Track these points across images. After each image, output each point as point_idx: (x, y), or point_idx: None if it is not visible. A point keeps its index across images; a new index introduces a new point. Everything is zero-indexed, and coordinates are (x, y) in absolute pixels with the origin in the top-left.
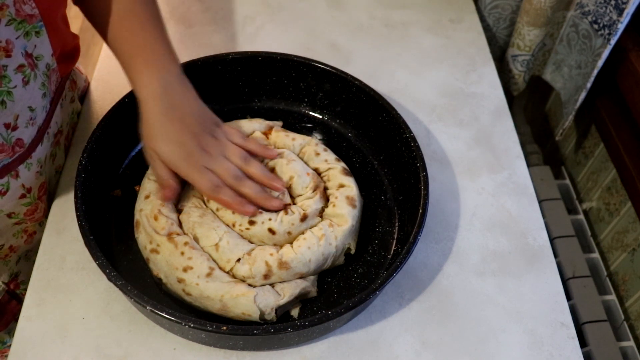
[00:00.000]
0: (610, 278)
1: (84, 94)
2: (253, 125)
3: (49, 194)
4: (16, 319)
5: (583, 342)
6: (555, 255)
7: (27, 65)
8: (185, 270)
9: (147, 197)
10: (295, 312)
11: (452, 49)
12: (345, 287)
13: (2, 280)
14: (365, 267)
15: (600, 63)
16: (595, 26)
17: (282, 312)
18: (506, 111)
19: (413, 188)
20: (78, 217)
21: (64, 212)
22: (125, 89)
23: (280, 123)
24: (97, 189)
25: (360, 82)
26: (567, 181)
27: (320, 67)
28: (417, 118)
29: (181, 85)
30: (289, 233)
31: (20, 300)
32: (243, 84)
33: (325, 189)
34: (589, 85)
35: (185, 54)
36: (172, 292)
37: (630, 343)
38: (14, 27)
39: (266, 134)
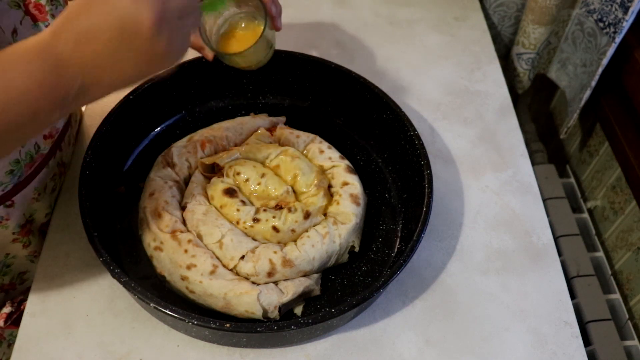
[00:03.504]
0: (615, 277)
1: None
2: (257, 122)
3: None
4: None
5: (587, 341)
6: (560, 254)
7: None
8: (188, 267)
9: (151, 194)
10: (298, 310)
11: (457, 47)
12: (349, 285)
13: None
14: (369, 265)
15: (605, 61)
16: (601, 24)
17: (286, 310)
18: (511, 109)
19: (417, 186)
20: (82, 213)
21: (68, 208)
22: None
23: (283, 119)
24: (102, 186)
25: (365, 79)
26: (572, 180)
27: (324, 64)
28: (422, 116)
29: None
30: (293, 231)
31: None
32: (248, 81)
33: (329, 186)
34: (593, 83)
35: (190, 52)
36: (175, 289)
37: (634, 342)
38: None
39: (270, 130)
